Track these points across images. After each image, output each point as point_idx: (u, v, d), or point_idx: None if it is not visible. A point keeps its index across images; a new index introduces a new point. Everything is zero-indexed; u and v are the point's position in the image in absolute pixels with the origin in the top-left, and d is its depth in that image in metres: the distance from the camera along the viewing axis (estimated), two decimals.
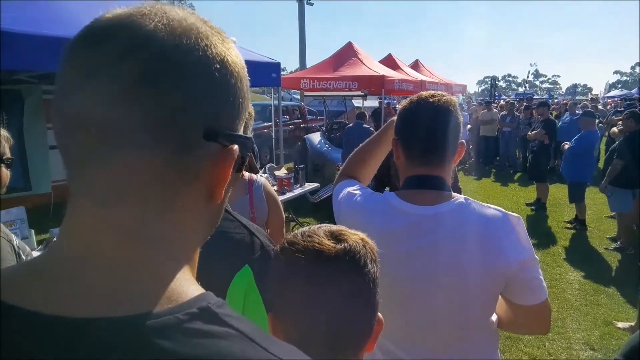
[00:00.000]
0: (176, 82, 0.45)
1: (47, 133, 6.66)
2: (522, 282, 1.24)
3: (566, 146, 7.22)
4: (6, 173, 1.69)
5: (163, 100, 0.44)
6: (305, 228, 0.84)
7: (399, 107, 1.46)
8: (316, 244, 0.77)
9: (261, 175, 6.51)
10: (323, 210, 7.63)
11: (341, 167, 1.69)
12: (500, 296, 1.30)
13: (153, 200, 0.47)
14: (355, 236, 0.80)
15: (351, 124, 7.31)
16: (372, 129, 7.35)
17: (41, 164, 6.52)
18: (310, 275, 0.76)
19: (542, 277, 1.26)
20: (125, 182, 0.46)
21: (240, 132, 0.53)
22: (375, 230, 1.28)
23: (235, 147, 0.51)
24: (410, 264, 1.25)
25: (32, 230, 3.71)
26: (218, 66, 0.48)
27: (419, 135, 1.32)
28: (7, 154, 1.69)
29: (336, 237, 0.79)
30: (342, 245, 0.77)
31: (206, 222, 0.54)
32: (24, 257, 1.66)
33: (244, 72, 0.52)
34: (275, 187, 6.13)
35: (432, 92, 1.37)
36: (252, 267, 0.98)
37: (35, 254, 3.43)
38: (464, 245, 1.22)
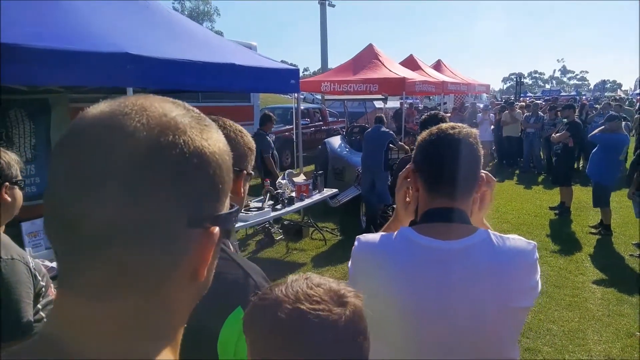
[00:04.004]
0: (156, 181, 0.48)
1: None
2: None
3: (596, 131, 7.14)
4: (20, 194, 1.77)
5: (145, 200, 0.48)
6: (301, 281, 0.82)
7: (419, 138, 1.42)
8: (326, 311, 0.76)
9: (281, 181, 6.54)
10: (342, 215, 7.65)
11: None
12: None
13: (143, 291, 0.50)
14: (352, 294, 0.80)
15: (370, 128, 7.27)
16: (392, 132, 7.29)
17: None
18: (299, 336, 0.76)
19: None
20: (117, 276, 0.49)
21: (223, 210, 0.56)
22: (396, 267, 1.26)
23: (217, 229, 0.54)
24: (434, 300, 1.22)
25: None
26: (196, 160, 0.50)
27: (440, 167, 1.30)
28: (19, 177, 1.77)
29: (339, 299, 0.79)
30: (348, 309, 0.77)
31: (190, 300, 0.57)
32: (39, 278, 1.72)
33: (222, 157, 0.55)
34: (294, 194, 6.17)
35: (452, 124, 1.36)
36: (245, 309, 0.99)
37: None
38: (496, 282, 1.21)
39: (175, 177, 0.49)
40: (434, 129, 1.37)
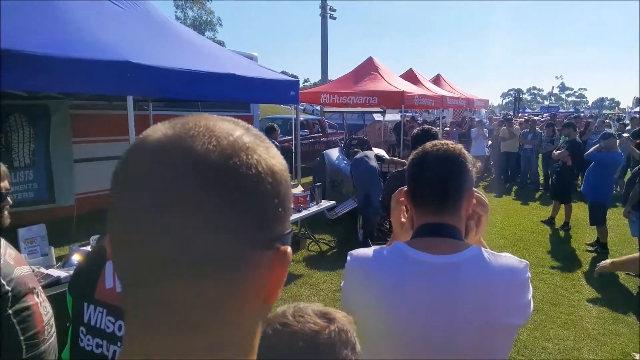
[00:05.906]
0: (232, 205, 0.45)
1: (72, 147, 6.84)
2: None
3: (592, 149, 7.22)
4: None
5: (220, 226, 0.45)
6: (290, 307, 0.85)
7: (409, 158, 1.45)
8: (311, 324, 0.78)
9: None
10: (340, 227, 7.64)
11: None
12: None
13: (213, 323, 0.47)
14: (340, 314, 0.82)
15: (358, 156, 7.19)
16: (374, 156, 7.23)
17: (66, 177, 6.67)
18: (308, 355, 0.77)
19: None
20: (185, 308, 0.46)
21: (288, 229, 0.53)
22: (388, 280, 1.27)
23: (289, 248, 0.52)
24: (424, 313, 1.23)
25: (52, 248, 3.80)
26: (270, 179, 0.48)
27: (429, 184, 1.32)
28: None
29: (325, 316, 0.80)
30: (335, 325, 0.79)
31: (261, 322, 0.54)
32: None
33: (287, 174, 0.53)
34: (291, 204, 6.16)
35: (436, 141, 1.38)
36: None
37: (53, 271, 3.52)
38: (485, 297, 1.21)
39: (249, 198, 0.46)
40: (420, 148, 1.40)
